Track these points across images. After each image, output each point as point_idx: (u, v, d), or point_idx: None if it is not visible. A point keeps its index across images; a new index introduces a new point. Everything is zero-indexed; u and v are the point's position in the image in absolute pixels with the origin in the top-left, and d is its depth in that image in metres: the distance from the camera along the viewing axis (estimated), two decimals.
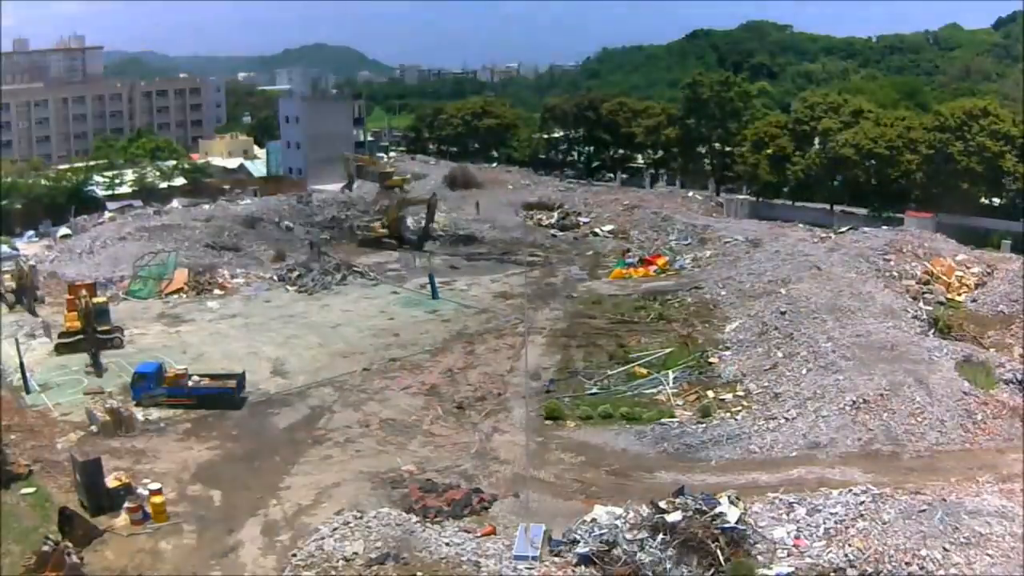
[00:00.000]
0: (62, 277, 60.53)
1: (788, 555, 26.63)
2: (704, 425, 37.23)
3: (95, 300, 48.56)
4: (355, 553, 26.68)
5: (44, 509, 31.20)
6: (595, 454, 35.49)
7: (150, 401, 40.39)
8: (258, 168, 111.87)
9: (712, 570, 25.81)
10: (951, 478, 30.80)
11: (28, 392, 42.47)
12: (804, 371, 40.56)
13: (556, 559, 26.96)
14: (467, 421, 39.17)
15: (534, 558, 26.64)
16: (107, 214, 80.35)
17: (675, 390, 41.23)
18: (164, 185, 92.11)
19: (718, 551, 26.25)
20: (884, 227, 66.36)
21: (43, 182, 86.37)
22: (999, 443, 33.58)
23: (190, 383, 41.23)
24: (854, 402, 35.82)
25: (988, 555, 24.52)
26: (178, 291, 59.85)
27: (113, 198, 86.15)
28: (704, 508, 27.78)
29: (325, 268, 63.65)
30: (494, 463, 34.84)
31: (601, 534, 27.49)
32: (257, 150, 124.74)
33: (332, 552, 26.91)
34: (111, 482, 31.61)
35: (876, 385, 36.64)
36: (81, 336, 46.90)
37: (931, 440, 33.77)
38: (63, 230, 76.00)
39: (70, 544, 27.68)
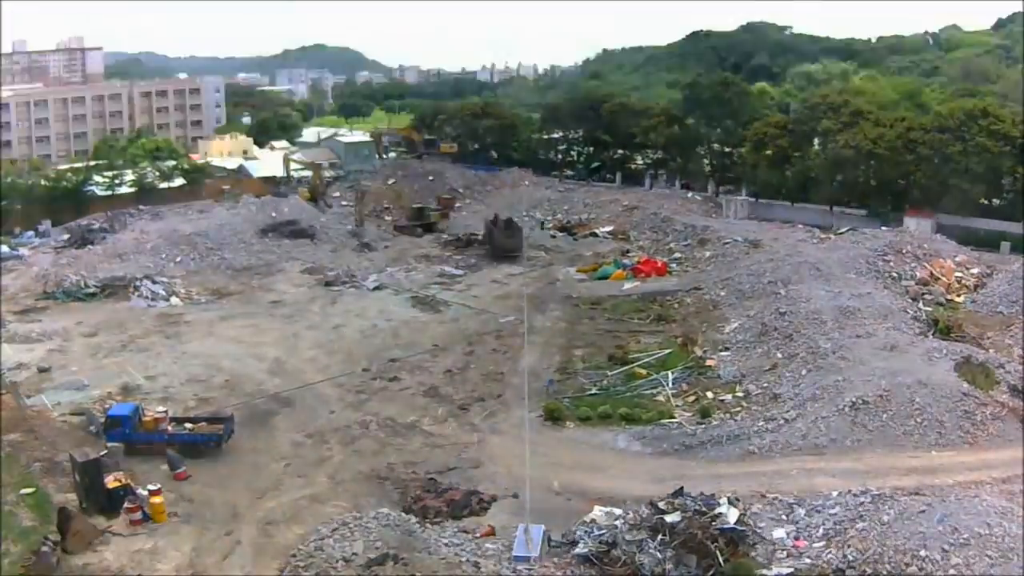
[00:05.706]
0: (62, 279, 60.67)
1: (788, 556, 26.68)
2: (703, 426, 37.25)
3: None
4: (355, 553, 26.67)
5: (44, 509, 31.17)
6: (594, 455, 35.49)
7: (127, 448, 35.36)
8: (257, 168, 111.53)
9: (711, 571, 25.83)
10: (951, 478, 30.85)
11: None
12: (803, 372, 40.58)
13: (555, 559, 26.98)
14: (466, 422, 39.19)
15: (534, 558, 26.65)
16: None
17: (674, 391, 41.22)
18: (164, 186, 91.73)
19: (717, 552, 26.26)
20: (883, 228, 66.26)
21: (43, 182, 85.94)
22: (999, 443, 33.60)
23: (170, 428, 36.23)
24: (853, 403, 35.78)
25: (988, 555, 24.51)
26: None
27: (112, 199, 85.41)
28: (703, 509, 27.79)
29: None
30: (493, 464, 34.87)
31: (600, 534, 27.49)
32: (257, 150, 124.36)
33: (332, 552, 26.91)
34: (111, 483, 31.60)
35: (875, 386, 36.60)
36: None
37: (930, 441, 33.79)
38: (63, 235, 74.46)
39: (53, 546, 27.69)
